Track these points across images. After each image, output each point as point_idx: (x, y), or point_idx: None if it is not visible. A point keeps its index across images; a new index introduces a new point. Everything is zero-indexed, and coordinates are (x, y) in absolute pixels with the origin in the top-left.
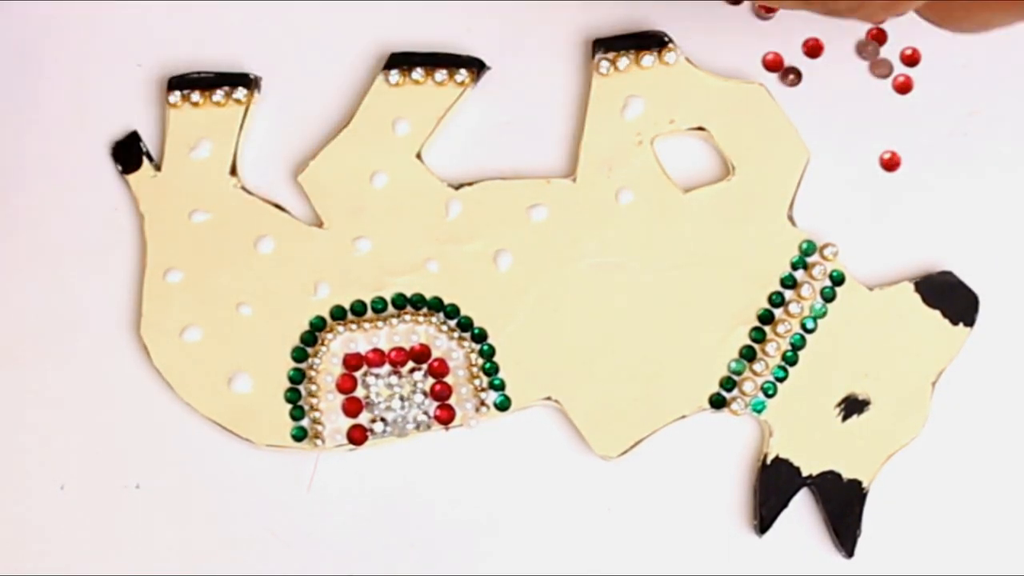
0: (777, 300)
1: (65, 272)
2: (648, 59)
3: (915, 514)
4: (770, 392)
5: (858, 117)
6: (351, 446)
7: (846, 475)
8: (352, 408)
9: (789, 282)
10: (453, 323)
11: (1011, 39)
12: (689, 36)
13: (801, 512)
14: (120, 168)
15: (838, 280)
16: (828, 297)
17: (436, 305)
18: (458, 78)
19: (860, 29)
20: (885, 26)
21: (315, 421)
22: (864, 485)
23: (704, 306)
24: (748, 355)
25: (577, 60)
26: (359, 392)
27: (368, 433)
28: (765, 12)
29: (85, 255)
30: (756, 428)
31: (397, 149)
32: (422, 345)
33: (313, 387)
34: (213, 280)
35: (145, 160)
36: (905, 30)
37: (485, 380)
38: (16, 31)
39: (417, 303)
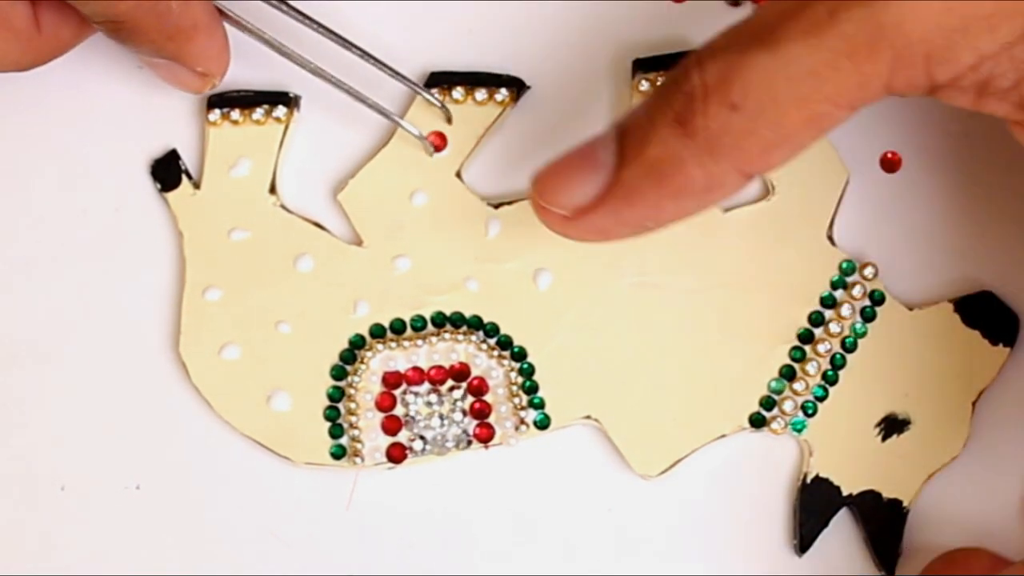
0: (817, 319)
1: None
2: None
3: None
4: (810, 411)
5: (858, 117)
6: (390, 464)
7: (886, 495)
8: (391, 426)
9: (829, 302)
10: (493, 341)
11: None
12: (689, 36)
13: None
14: (159, 186)
15: (878, 300)
16: (868, 317)
17: (476, 323)
18: (498, 97)
19: None
20: None
21: (354, 439)
22: (904, 504)
23: (744, 325)
24: (788, 374)
25: (618, 80)
26: (398, 410)
27: (407, 451)
28: None
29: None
30: (796, 447)
31: (437, 168)
32: (462, 363)
33: (352, 405)
34: (252, 298)
35: (184, 178)
36: None
37: (525, 399)
38: None
39: (457, 321)
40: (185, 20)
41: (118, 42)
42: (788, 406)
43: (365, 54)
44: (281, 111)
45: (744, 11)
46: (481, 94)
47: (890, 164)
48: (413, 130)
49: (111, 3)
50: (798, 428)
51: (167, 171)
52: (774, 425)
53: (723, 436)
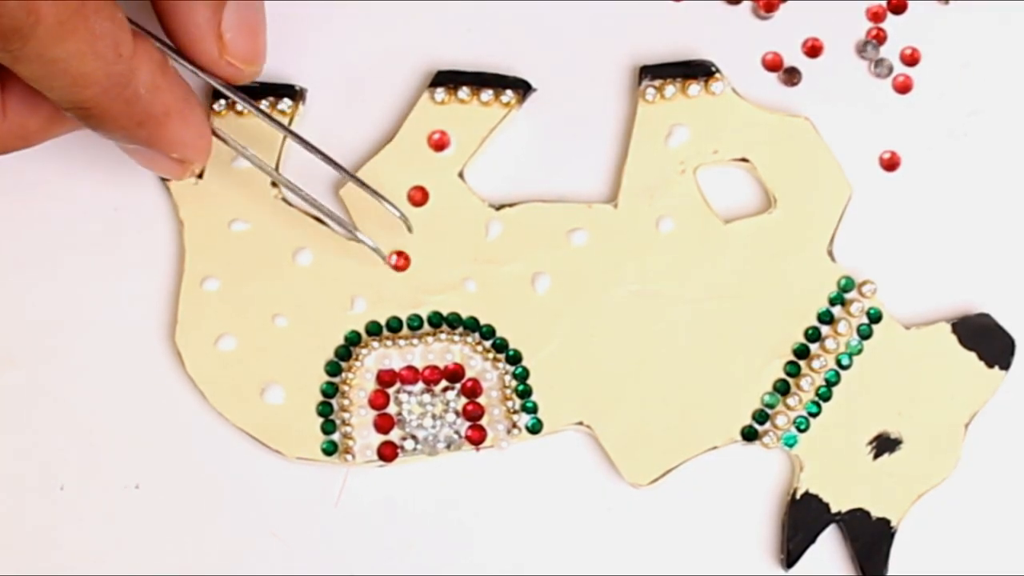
0: (813, 335)
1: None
2: (694, 88)
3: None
4: (802, 427)
5: (858, 117)
6: (381, 462)
7: (875, 513)
8: (384, 424)
9: (826, 318)
10: (488, 344)
11: (1011, 39)
12: (689, 36)
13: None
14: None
15: (875, 318)
16: (865, 334)
17: (472, 325)
18: (504, 99)
19: (860, 29)
20: (885, 26)
21: (346, 436)
22: (893, 524)
23: (740, 338)
24: (782, 389)
25: (623, 86)
26: (391, 409)
27: (398, 450)
28: (765, 12)
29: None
30: (787, 462)
31: (439, 167)
32: (456, 364)
33: (345, 402)
34: (250, 290)
35: None
36: (905, 30)
37: (518, 402)
38: None
39: (453, 322)
40: (156, 106)
41: (91, 129)
42: (781, 420)
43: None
44: (286, 104)
45: (744, 10)
46: (487, 95)
47: (890, 164)
48: (368, 242)
49: (77, 89)
50: (790, 443)
51: None
52: (766, 439)
53: (714, 448)
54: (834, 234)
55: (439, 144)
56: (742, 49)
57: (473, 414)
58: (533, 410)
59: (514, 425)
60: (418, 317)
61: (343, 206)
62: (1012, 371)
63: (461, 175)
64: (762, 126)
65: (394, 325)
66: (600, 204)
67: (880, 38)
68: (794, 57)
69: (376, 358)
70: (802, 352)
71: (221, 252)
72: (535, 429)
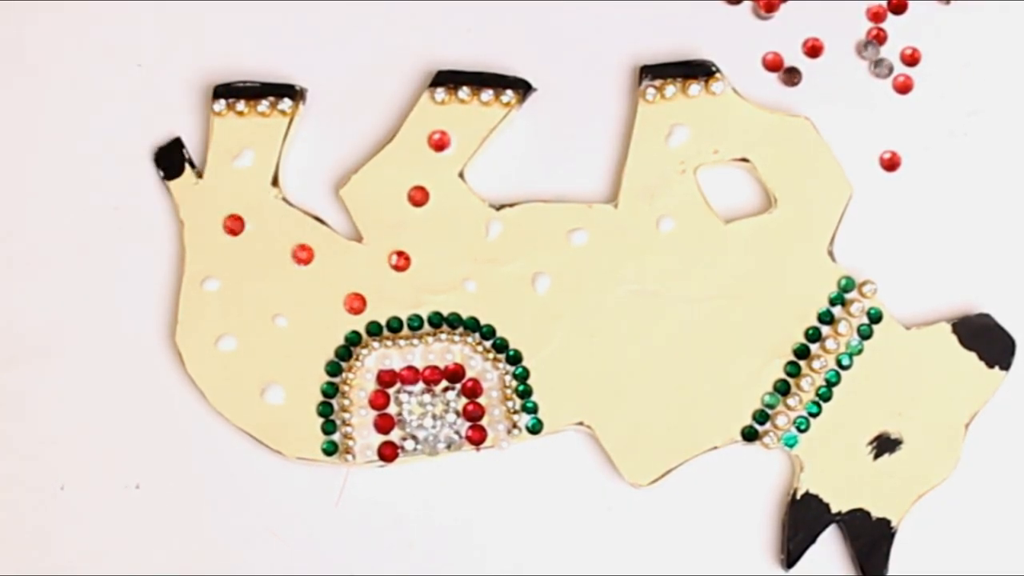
0: (814, 335)
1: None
2: (695, 88)
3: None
4: (803, 427)
5: (858, 117)
6: (381, 462)
7: (875, 513)
8: (384, 424)
9: (826, 318)
10: (488, 344)
11: (1011, 39)
12: (689, 36)
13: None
14: (162, 174)
15: (875, 318)
16: (865, 334)
17: (472, 325)
18: (504, 98)
19: (860, 29)
20: (885, 26)
21: (346, 436)
22: (893, 524)
23: (740, 338)
24: (782, 389)
25: (624, 85)
26: (391, 409)
27: (399, 450)
28: (765, 12)
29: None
30: (787, 462)
31: (440, 167)
32: (456, 364)
33: (346, 402)
34: (250, 290)
35: (187, 167)
36: (905, 30)
37: (518, 402)
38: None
39: (453, 322)
40: None
41: None
42: (781, 421)
43: None
44: (286, 104)
45: (744, 10)
46: (487, 95)
47: (890, 164)
48: None
49: None
50: (790, 443)
51: (170, 159)
52: (766, 439)
53: (715, 448)
54: (834, 234)
55: (439, 144)
56: (742, 49)
57: (473, 414)
58: (533, 410)
59: (514, 425)
60: (418, 317)
61: (343, 206)
62: (1012, 371)
63: (461, 175)
64: (762, 126)
65: (394, 325)
66: (600, 204)
67: (880, 38)
68: (794, 57)
69: (376, 358)
70: (802, 352)
71: (221, 252)
72: (535, 429)
